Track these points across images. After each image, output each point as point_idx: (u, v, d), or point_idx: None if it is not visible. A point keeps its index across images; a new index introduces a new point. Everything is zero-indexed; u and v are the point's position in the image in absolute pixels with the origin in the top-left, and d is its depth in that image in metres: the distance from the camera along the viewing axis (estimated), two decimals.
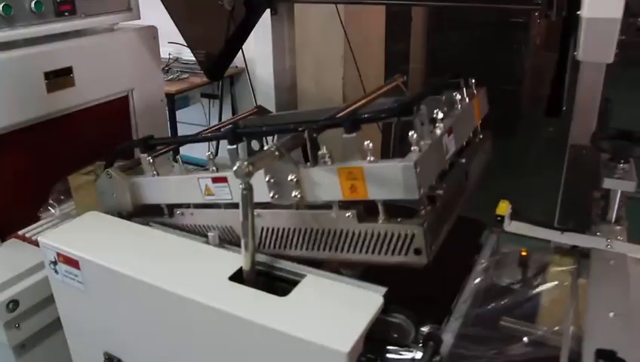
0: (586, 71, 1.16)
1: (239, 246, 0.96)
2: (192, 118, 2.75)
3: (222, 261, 0.90)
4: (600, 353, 0.60)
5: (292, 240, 0.90)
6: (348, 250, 0.85)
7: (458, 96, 0.98)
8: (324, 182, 0.82)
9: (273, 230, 0.91)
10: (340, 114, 0.97)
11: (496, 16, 3.46)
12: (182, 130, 1.60)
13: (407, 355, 0.80)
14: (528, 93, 3.85)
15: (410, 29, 3.37)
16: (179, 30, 1.45)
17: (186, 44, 1.54)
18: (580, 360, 0.67)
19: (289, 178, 0.83)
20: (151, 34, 1.45)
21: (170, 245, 0.96)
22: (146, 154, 1.04)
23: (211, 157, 0.94)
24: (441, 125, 0.86)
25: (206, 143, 1.25)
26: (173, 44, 2.48)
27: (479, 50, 3.56)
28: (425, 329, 0.83)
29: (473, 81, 1.06)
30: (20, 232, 1.22)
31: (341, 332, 0.71)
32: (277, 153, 0.82)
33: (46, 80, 1.21)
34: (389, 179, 0.76)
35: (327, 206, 0.84)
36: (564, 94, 1.02)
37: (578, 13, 0.74)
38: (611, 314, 0.70)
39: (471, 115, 1.02)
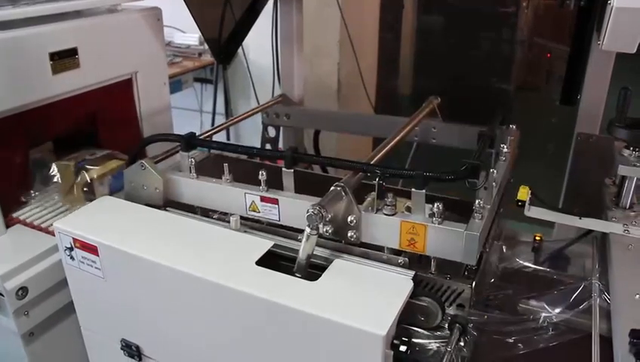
0: (595, 61, 1.19)
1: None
2: (185, 103, 2.71)
3: (246, 245, 0.89)
4: (635, 332, 0.62)
5: None
6: None
7: (505, 149, 1.01)
8: (384, 230, 0.83)
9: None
10: (392, 141, 1.03)
11: (486, 5, 3.49)
12: (175, 114, 1.57)
13: (435, 338, 0.82)
14: (515, 80, 3.90)
15: (402, 17, 3.38)
16: (192, 16, 1.42)
17: (179, 27, 1.50)
18: (608, 340, 0.70)
19: (349, 219, 0.83)
20: (155, 15, 1.42)
21: (191, 230, 0.96)
22: (187, 153, 1.02)
23: (263, 176, 0.93)
24: (495, 186, 0.88)
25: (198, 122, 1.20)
26: (165, 27, 2.41)
27: (467, 39, 3.59)
28: (450, 312, 0.85)
29: (514, 127, 1.12)
30: (14, 215, 1.19)
31: (377, 316, 0.72)
32: (343, 193, 0.83)
33: (51, 61, 1.17)
34: (451, 242, 0.79)
35: (378, 246, 0.86)
36: (579, 83, 1.04)
37: (608, 2, 0.76)
38: (637, 297, 0.72)
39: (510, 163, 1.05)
